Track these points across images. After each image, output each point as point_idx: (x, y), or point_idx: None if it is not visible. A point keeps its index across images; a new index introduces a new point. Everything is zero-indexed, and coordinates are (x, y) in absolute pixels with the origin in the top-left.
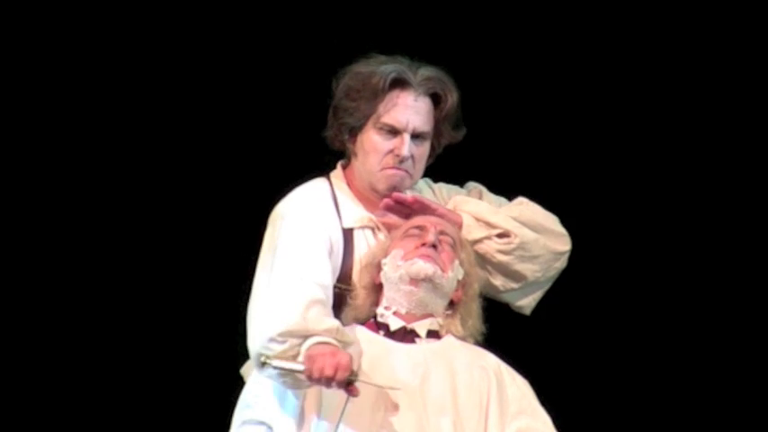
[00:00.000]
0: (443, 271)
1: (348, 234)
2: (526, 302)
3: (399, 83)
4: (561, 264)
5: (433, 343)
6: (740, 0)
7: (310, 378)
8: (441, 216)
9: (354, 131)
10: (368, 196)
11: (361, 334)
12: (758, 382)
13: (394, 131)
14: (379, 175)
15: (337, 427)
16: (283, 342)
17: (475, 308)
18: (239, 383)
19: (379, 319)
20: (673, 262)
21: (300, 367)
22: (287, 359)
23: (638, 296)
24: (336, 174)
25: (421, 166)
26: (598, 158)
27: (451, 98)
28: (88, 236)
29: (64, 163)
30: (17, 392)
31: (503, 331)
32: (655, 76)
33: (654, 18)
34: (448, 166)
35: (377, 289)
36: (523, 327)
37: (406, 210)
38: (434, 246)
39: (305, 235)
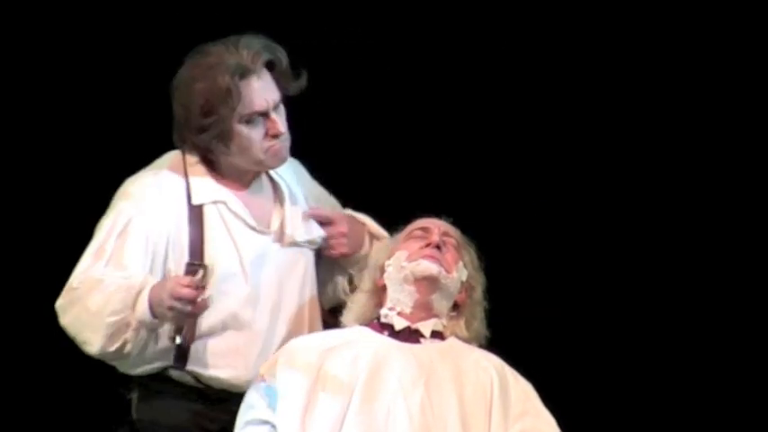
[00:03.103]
0: (448, 272)
1: (197, 211)
2: None
3: (242, 75)
4: None
5: (438, 343)
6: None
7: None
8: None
9: (223, 137)
10: (231, 175)
11: (365, 334)
12: (758, 382)
13: (258, 116)
14: (266, 157)
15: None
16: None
17: (479, 311)
18: None
19: (383, 320)
20: (675, 264)
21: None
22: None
23: (640, 299)
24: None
25: (286, 126)
26: (598, 158)
27: (282, 57)
28: None
29: None
30: None
31: (506, 335)
32: (642, 73)
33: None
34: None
35: (379, 291)
36: (527, 331)
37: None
38: (438, 246)
39: (126, 228)
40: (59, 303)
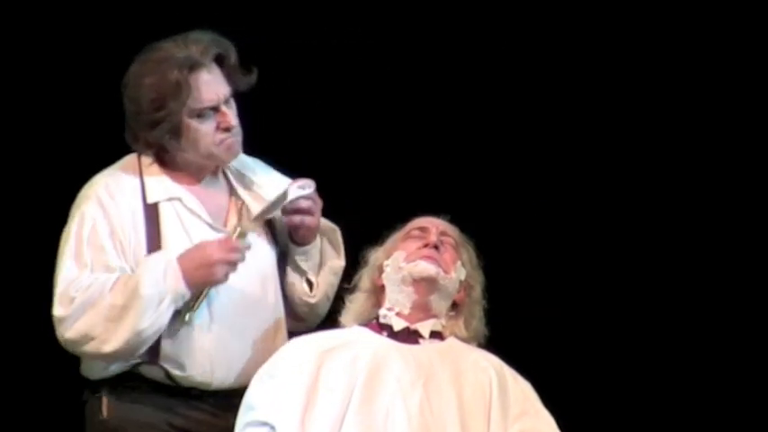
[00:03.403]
0: (446, 272)
1: (152, 209)
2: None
3: (191, 68)
4: None
5: (437, 343)
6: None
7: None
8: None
9: (174, 132)
10: (186, 172)
11: (364, 334)
12: (758, 382)
13: (209, 109)
14: (218, 151)
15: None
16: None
17: (478, 310)
18: None
19: (382, 320)
20: (675, 264)
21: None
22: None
23: (640, 299)
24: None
25: (237, 120)
26: (598, 157)
27: (231, 52)
28: None
29: None
30: None
31: (505, 334)
32: (639, 73)
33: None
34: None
35: (378, 291)
36: (526, 330)
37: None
38: (436, 246)
39: (104, 227)
40: (62, 314)
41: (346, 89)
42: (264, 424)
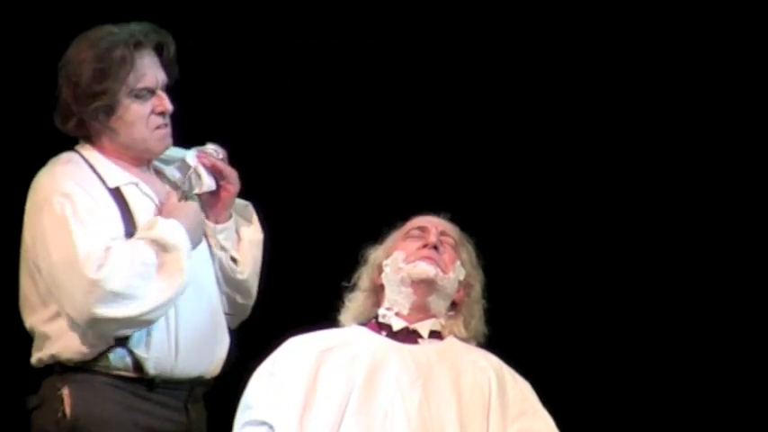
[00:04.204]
0: (445, 272)
1: (117, 192)
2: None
3: (135, 46)
4: None
5: (436, 343)
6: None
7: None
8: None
9: (111, 110)
10: (125, 162)
11: (363, 334)
12: (758, 382)
13: (147, 92)
14: (151, 138)
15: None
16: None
17: (477, 309)
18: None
19: (381, 320)
20: (675, 264)
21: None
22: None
23: (640, 299)
24: (83, 146)
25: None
26: (599, 157)
27: (171, 43)
28: None
29: None
30: None
31: (505, 333)
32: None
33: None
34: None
35: (377, 290)
36: (526, 328)
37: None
38: (436, 247)
39: (85, 204)
40: (101, 276)
41: (348, 88)
42: (263, 423)
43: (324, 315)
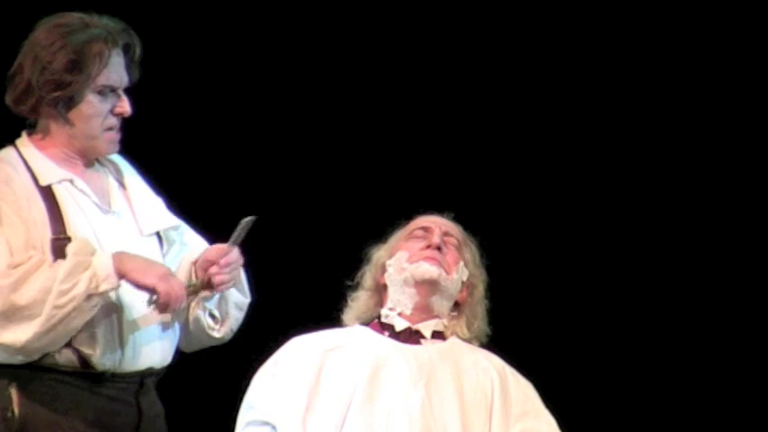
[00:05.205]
0: (448, 273)
1: (47, 191)
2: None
3: (112, 44)
4: None
5: (439, 344)
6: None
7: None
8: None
9: (72, 102)
10: (65, 158)
11: (366, 334)
12: (758, 382)
13: (110, 90)
14: (102, 137)
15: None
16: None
17: (480, 309)
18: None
19: (384, 320)
20: (676, 264)
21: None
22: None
23: (643, 299)
24: (22, 142)
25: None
26: (601, 157)
27: (138, 46)
28: None
29: None
30: None
31: (508, 333)
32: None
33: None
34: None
35: (380, 290)
36: (528, 329)
37: None
38: (439, 247)
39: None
40: (7, 283)
41: (352, 87)
42: (265, 423)
43: (326, 315)
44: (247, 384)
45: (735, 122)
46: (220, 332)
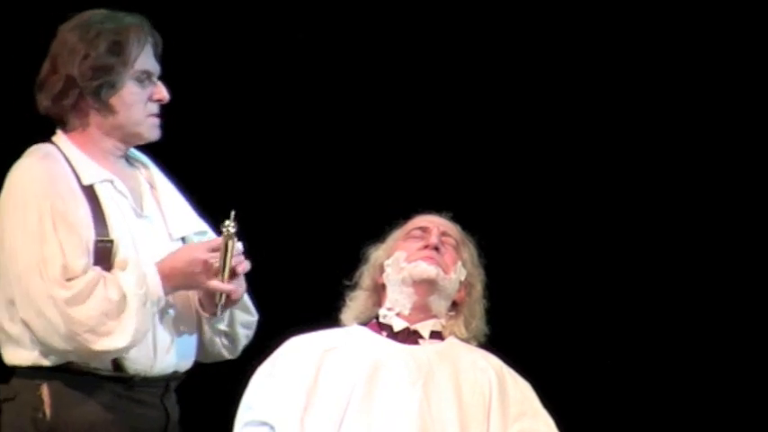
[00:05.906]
0: (446, 273)
1: (90, 190)
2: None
3: (146, 34)
4: None
5: (437, 344)
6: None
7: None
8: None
9: (113, 88)
10: (102, 156)
11: (364, 334)
12: (758, 382)
13: (146, 77)
14: (145, 123)
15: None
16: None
17: (478, 309)
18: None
19: (382, 320)
20: (675, 264)
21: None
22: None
23: (642, 299)
24: (60, 138)
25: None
26: (600, 156)
27: (161, 42)
28: None
29: None
30: None
31: (506, 333)
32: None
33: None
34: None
35: (379, 290)
36: (527, 329)
37: None
38: (437, 247)
39: (61, 211)
40: (66, 296)
41: (349, 86)
42: (264, 423)
43: (325, 315)
44: (246, 384)
45: (735, 122)
46: (235, 352)
